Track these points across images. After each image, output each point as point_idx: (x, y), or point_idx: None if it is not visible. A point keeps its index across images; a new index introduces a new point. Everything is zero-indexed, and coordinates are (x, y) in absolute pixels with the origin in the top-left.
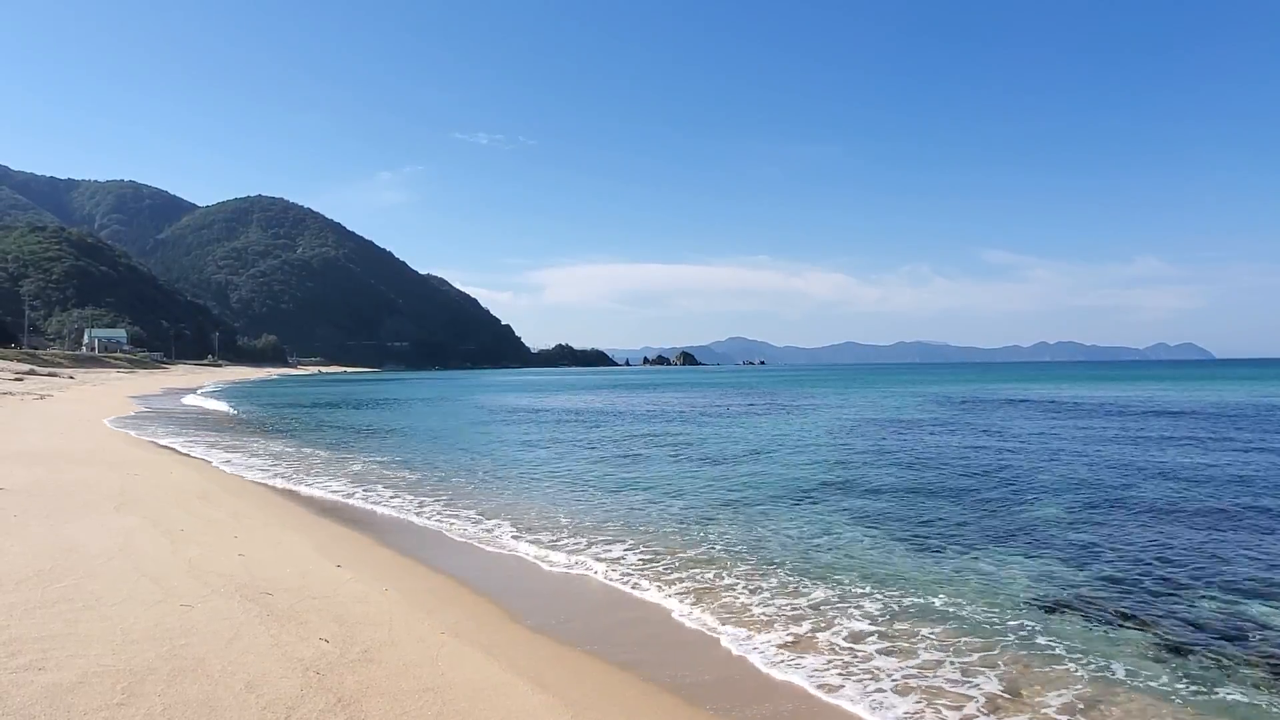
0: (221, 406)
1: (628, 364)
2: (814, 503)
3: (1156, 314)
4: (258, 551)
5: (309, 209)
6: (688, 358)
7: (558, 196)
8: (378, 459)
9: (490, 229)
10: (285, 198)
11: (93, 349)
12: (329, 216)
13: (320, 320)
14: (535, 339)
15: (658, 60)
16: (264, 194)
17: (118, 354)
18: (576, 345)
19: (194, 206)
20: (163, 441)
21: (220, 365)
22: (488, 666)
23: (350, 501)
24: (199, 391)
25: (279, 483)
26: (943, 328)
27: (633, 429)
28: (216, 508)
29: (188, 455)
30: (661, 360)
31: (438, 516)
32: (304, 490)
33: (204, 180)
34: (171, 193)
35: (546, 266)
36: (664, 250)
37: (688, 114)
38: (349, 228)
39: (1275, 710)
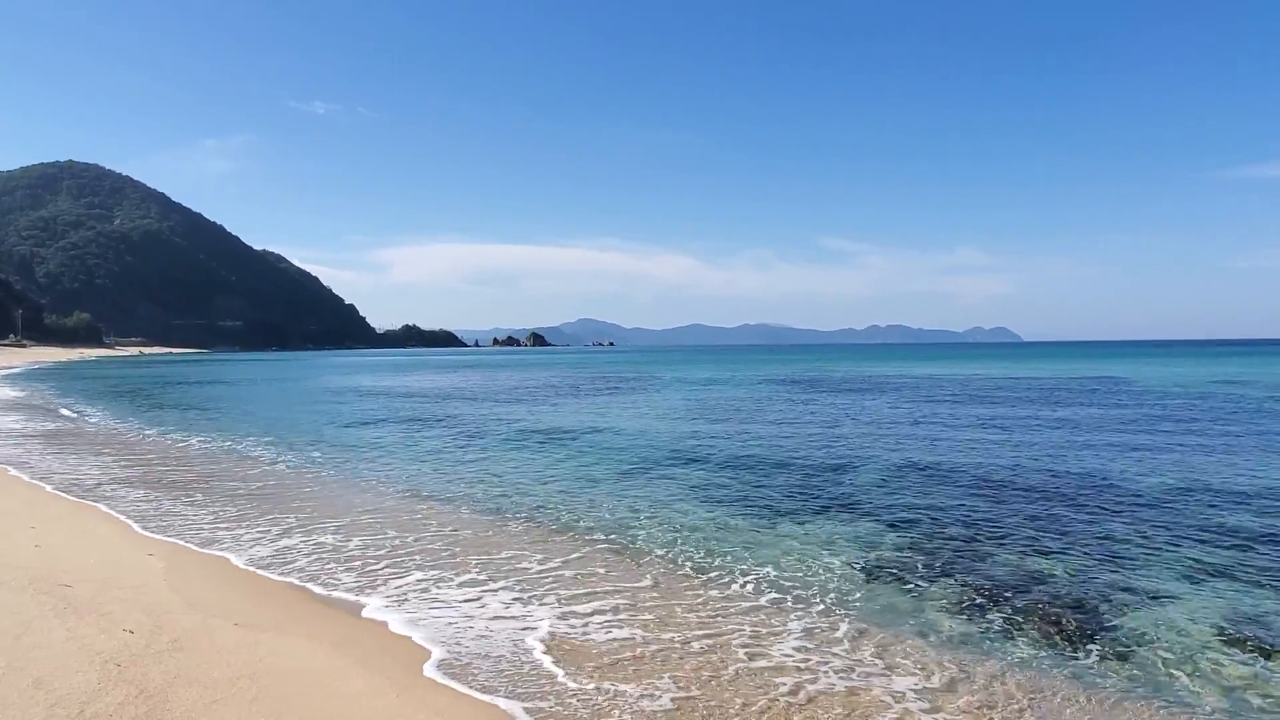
0: (25, 391)
1: (477, 345)
2: (651, 476)
3: (974, 300)
4: (60, 542)
5: (128, 177)
6: (537, 339)
7: (402, 173)
8: (208, 443)
9: (330, 204)
10: (100, 164)
11: None
12: (151, 186)
13: (142, 298)
14: (381, 319)
15: (509, 41)
16: (75, 159)
17: None
18: (424, 326)
19: None
20: None
21: (25, 345)
22: (311, 650)
23: (171, 488)
24: None
25: (90, 470)
26: (785, 310)
27: (478, 410)
28: (9, 496)
29: None
30: (511, 341)
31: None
32: (115, 475)
33: (2, 141)
34: None
35: (391, 245)
36: (514, 231)
37: (540, 96)
38: (174, 198)
39: (1042, 644)
